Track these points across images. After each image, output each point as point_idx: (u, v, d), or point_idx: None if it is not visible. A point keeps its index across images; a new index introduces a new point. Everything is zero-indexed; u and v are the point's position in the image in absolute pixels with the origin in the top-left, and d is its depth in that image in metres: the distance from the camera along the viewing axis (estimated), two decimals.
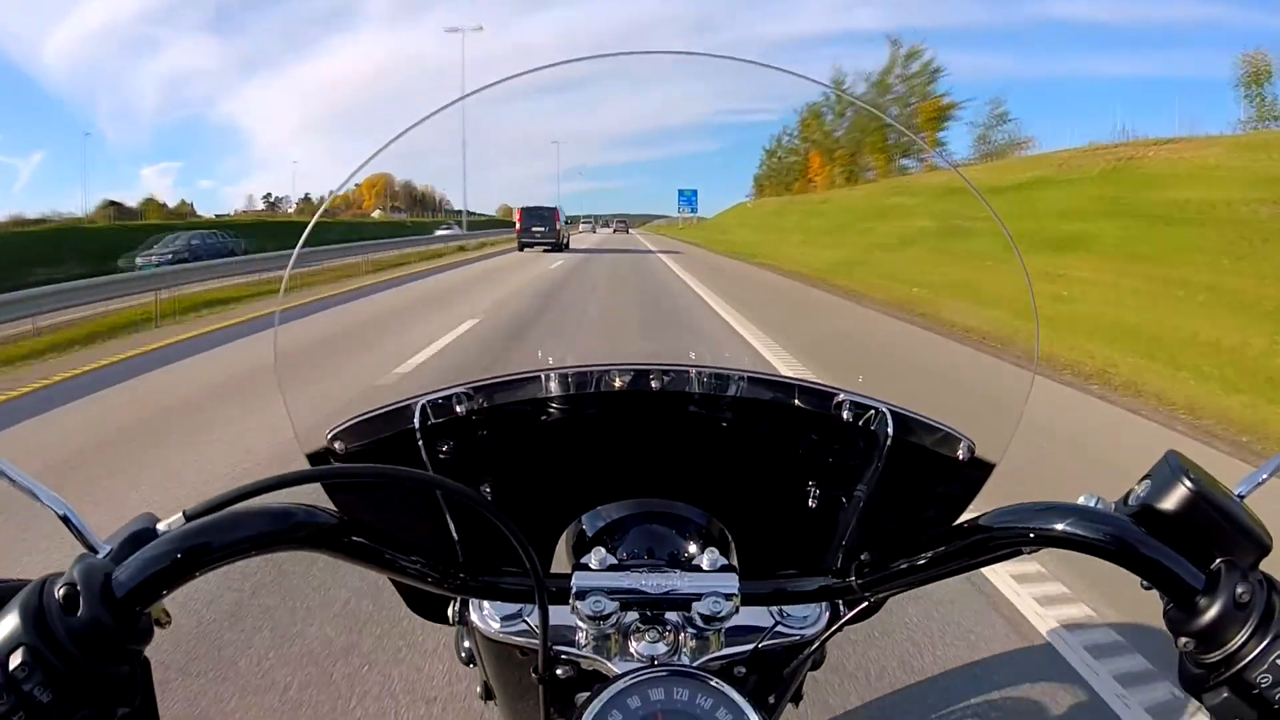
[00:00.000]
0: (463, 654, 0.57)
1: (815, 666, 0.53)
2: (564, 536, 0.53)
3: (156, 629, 0.35)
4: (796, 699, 0.54)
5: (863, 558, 0.48)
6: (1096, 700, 1.68)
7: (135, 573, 0.33)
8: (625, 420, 0.52)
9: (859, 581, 0.47)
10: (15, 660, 0.31)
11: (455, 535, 0.48)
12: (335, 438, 0.47)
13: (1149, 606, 0.40)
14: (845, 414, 0.49)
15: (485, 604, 0.48)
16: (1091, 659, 1.84)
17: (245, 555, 0.36)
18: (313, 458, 0.48)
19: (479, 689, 0.58)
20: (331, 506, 0.43)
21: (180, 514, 0.36)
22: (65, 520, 0.35)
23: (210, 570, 0.35)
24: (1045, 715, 1.65)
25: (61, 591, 0.32)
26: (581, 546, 0.50)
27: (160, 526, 0.36)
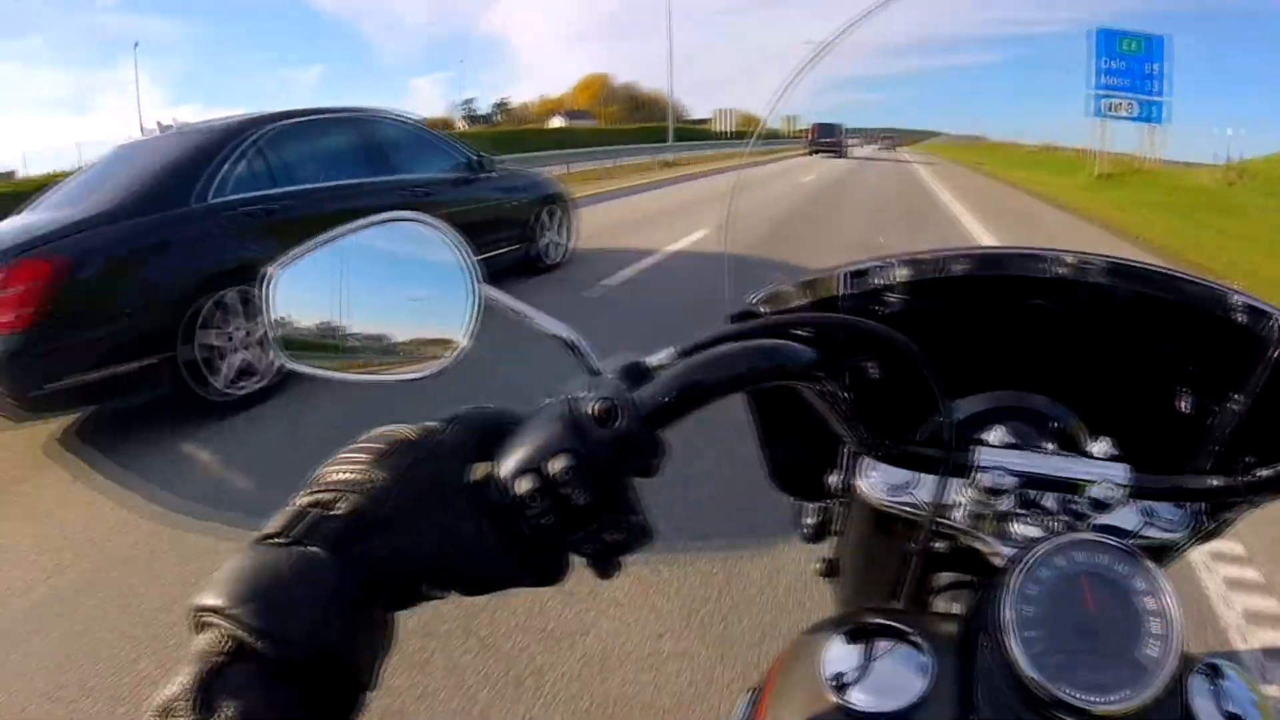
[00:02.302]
0: (808, 530, 0.60)
1: None
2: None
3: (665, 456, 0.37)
4: None
5: (1248, 459, 0.46)
6: None
7: (656, 396, 0.36)
8: (1012, 309, 0.52)
9: (1246, 481, 0.45)
10: (557, 465, 0.34)
11: (858, 403, 0.48)
12: (760, 302, 0.53)
13: None
14: (1235, 315, 0.48)
15: (874, 473, 0.50)
16: None
17: (741, 389, 0.39)
18: (734, 319, 0.50)
19: (819, 565, 0.60)
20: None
21: (671, 349, 0.40)
22: (572, 346, 0.39)
23: (710, 402, 0.37)
24: None
25: (598, 406, 0.35)
26: (990, 428, 0.48)
27: (650, 362, 0.39)
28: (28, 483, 2.54)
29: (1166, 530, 0.48)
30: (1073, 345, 0.51)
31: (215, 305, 2.94)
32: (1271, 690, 1.21)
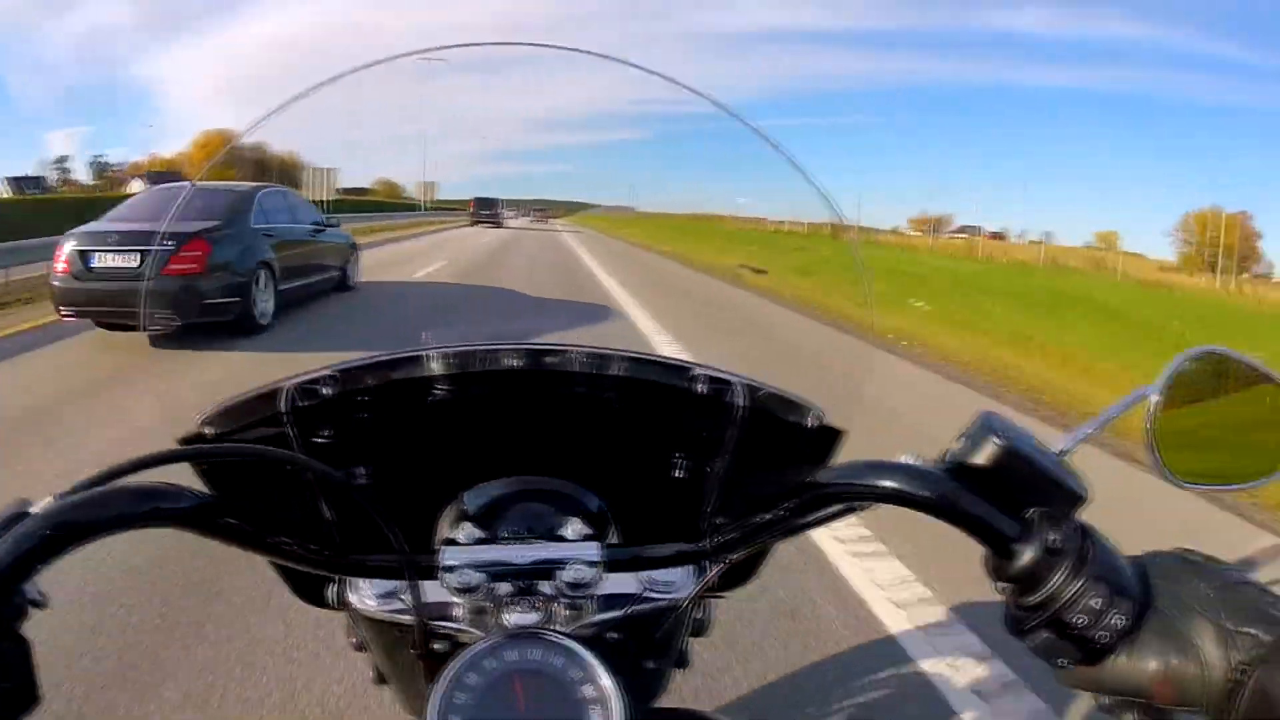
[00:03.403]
0: (354, 640, 0.57)
1: (698, 633, 0.58)
2: (442, 516, 0.53)
3: (35, 610, 0.37)
4: (682, 664, 0.58)
5: (718, 522, 0.51)
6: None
7: (7, 551, 0.35)
8: (502, 399, 0.53)
9: (712, 544, 0.50)
10: None
11: (330, 517, 0.49)
12: (206, 422, 0.48)
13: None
14: (700, 387, 0.51)
15: (362, 584, 0.50)
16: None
17: (113, 532, 0.38)
18: (184, 442, 0.47)
19: (372, 674, 0.59)
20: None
21: (51, 497, 0.37)
22: None
23: (79, 546, 0.36)
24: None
25: None
26: (459, 525, 0.50)
27: (33, 510, 0.37)
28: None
29: (668, 592, 0.50)
30: (585, 428, 0.53)
31: (256, 277, 6.01)
32: None
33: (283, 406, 0.48)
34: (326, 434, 0.49)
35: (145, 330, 5.24)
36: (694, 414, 0.52)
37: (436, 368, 0.50)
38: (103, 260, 5.34)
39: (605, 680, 0.39)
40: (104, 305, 5.30)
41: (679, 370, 0.52)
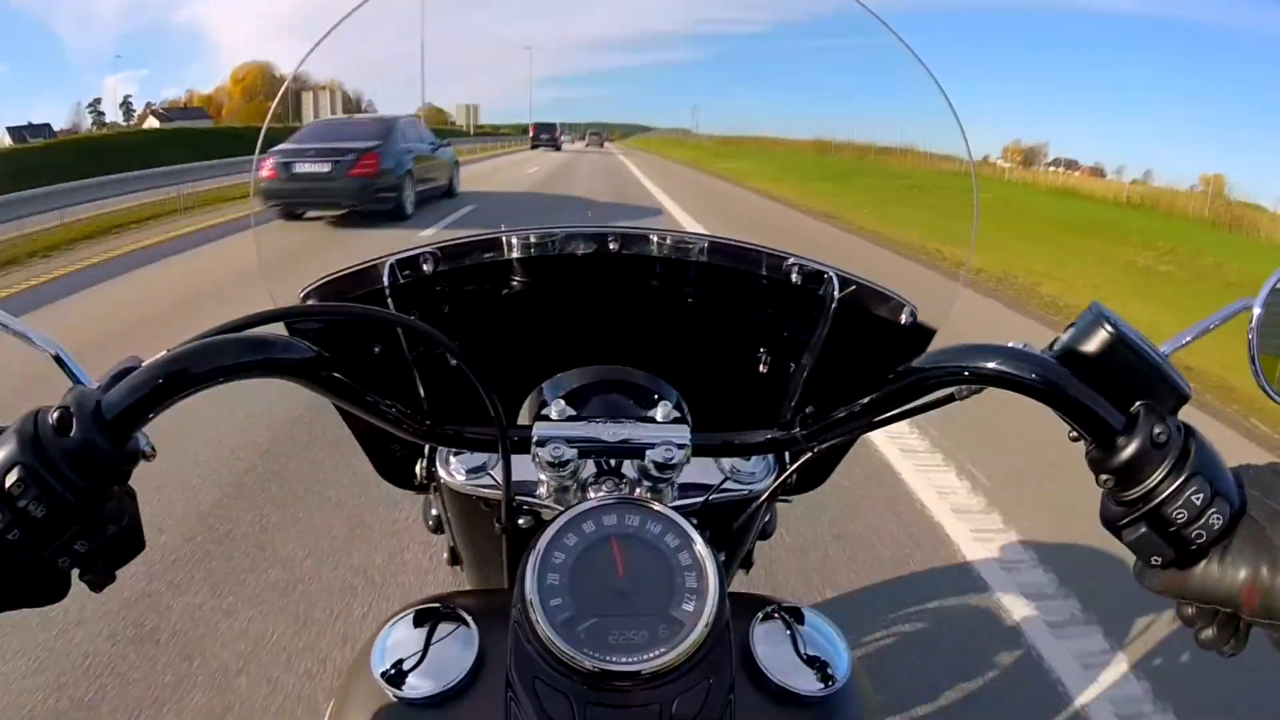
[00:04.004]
0: (430, 522, 0.59)
1: (765, 536, 0.58)
2: (526, 404, 0.53)
3: (143, 462, 0.37)
4: (747, 565, 0.58)
5: (807, 410, 0.50)
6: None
7: (123, 396, 0.35)
8: (586, 286, 0.51)
9: (803, 432, 0.49)
10: (11, 478, 0.33)
11: (421, 390, 0.49)
12: (307, 296, 0.48)
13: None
14: (794, 277, 0.49)
15: (452, 459, 0.51)
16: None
17: (224, 380, 0.38)
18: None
19: (446, 555, 0.61)
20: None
21: (165, 351, 0.37)
22: (57, 359, 0.39)
23: (192, 393, 0.36)
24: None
25: (55, 415, 0.34)
26: (550, 405, 0.50)
27: (148, 360, 0.37)
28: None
29: (749, 482, 0.51)
30: (669, 316, 0.52)
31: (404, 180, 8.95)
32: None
33: (383, 282, 0.48)
34: (420, 312, 0.48)
35: (333, 214, 9.25)
36: (783, 304, 0.50)
37: (530, 246, 0.50)
38: (301, 168, 8.91)
39: (701, 548, 0.39)
40: (302, 199, 9.10)
41: (770, 258, 0.50)
